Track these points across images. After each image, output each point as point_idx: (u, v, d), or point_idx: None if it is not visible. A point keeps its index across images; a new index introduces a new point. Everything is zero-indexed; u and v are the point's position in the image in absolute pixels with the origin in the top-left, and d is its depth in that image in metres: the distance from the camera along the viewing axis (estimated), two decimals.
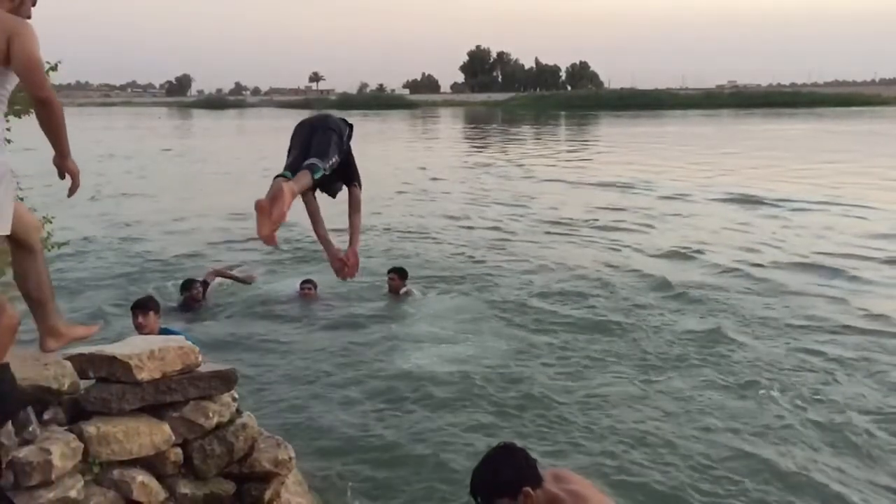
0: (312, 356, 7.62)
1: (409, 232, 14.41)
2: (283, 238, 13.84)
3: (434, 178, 23.75)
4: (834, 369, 7.02)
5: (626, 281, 10.47)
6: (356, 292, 9.91)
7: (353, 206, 5.12)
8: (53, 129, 3.09)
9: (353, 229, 5.09)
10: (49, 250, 5.95)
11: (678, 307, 9.11)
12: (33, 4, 3.22)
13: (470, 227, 15.11)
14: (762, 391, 6.51)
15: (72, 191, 3.33)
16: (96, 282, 10.52)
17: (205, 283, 9.33)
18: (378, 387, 6.77)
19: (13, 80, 3.11)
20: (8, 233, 3.16)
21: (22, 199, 5.71)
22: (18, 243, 3.33)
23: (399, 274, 9.76)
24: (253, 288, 10.29)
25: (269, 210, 4.07)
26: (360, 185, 5.01)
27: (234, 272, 10.29)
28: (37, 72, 2.99)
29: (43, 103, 3.02)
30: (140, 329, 5.93)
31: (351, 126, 4.86)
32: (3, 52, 2.98)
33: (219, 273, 9.94)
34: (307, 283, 9.62)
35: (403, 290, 9.66)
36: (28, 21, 3.09)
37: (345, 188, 5.02)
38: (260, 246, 13.06)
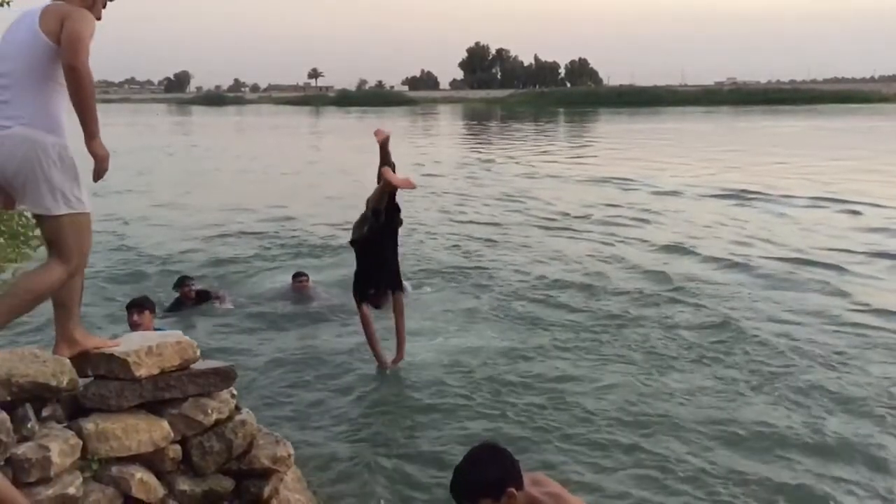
0: (309, 351, 7.61)
1: (405, 227, 14.39)
2: (274, 231, 14.02)
3: (431, 175, 23.74)
4: (829, 363, 7.04)
5: (623, 276, 10.48)
6: (350, 284, 10.00)
7: (399, 311, 6.39)
8: (79, 103, 3.13)
9: (400, 338, 6.39)
10: None
11: (676, 302, 9.11)
12: (104, 6, 3.37)
13: (466, 223, 15.14)
14: (759, 387, 6.52)
15: (95, 175, 3.26)
16: (92, 279, 10.50)
17: (206, 293, 9.21)
18: (375, 382, 6.77)
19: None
20: (89, 210, 3.29)
21: None
22: None
23: None
24: (248, 282, 10.30)
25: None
26: (402, 290, 6.44)
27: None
28: (73, 42, 3.08)
29: (70, 70, 3.09)
30: (135, 328, 5.94)
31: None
32: (58, 34, 3.13)
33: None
34: (301, 276, 9.58)
35: None
36: (88, 12, 3.21)
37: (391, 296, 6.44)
38: (254, 241, 13.14)
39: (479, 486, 2.66)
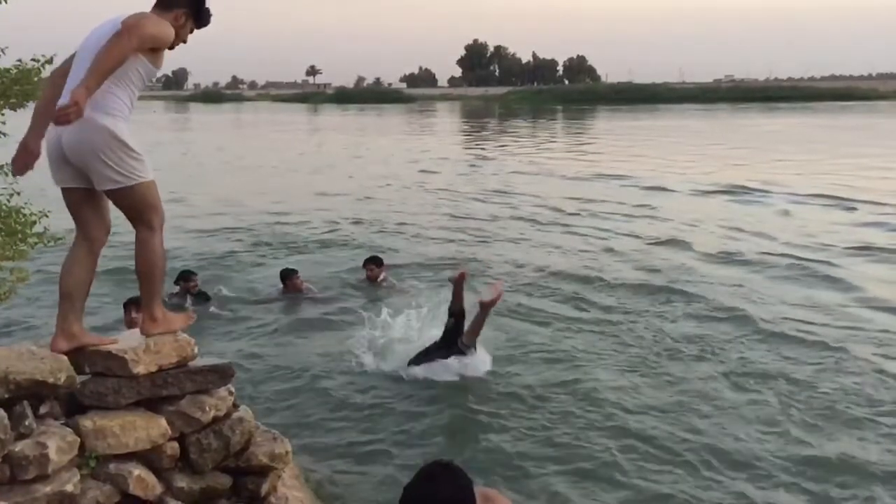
0: (305, 348, 7.62)
1: (400, 224, 14.49)
2: (265, 223, 14.18)
3: (428, 171, 23.78)
4: (829, 358, 7.08)
5: (619, 271, 10.52)
6: (340, 280, 10.09)
7: None
8: (98, 54, 3.22)
9: None
10: (45, 245, 5.92)
11: (672, 297, 9.15)
12: (191, 31, 3.60)
13: (463, 218, 15.19)
14: (754, 382, 6.54)
15: (57, 113, 3.16)
16: None
17: (205, 293, 9.18)
18: (372, 379, 6.77)
19: (144, 66, 3.40)
20: (151, 178, 3.49)
21: (18, 193, 5.74)
22: (87, 237, 3.59)
23: (376, 263, 9.84)
24: (242, 279, 10.30)
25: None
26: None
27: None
28: (132, 24, 3.26)
29: (114, 34, 3.23)
30: (132, 325, 5.92)
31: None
32: None
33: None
34: (294, 273, 9.50)
35: (381, 277, 9.73)
36: (167, 23, 3.41)
37: None
38: (245, 237, 13.22)
39: None
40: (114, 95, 3.37)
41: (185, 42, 3.61)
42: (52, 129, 3.41)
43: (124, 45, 3.23)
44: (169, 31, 3.42)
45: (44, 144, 3.52)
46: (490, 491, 2.81)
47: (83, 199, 3.52)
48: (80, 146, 3.33)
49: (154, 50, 3.42)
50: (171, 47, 3.54)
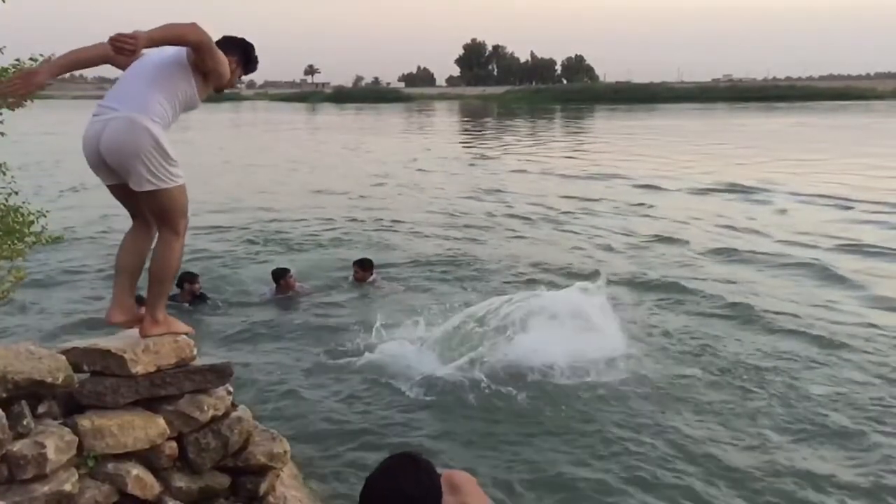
0: (302, 348, 7.61)
1: (397, 221, 14.54)
2: (262, 220, 14.22)
3: (425, 170, 23.78)
4: (811, 359, 7.11)
5: (616, 269, 10.50)
6: (334, 279, 10.12)
7: None
8: (167, 25, 3.37)
9: None
10: (43, 244, 5.92)
11: (668, 295, 9.16)
12: (239, 77, 3.80)
13: (457, 216, 15.22)
14: (747, 379, 6.56)
15: (116, 35, 3.20)
16: (82, 275, 10.49)
17: (205, 295, 9.16)
18: (368, 378, 6.76)
19: (192, 91, 3.58)
20: (183, 182, 3.61)
21: (17, 193, 5.74)
22: (143, 222, 3.73)
23: (362, 266, 9.84)
24: (237, 278, 10.32)
25: None
26: None
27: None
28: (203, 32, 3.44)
29: (188, 22, 3.42)
30: None
31: None
32: (196, 57, 3.50)
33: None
34: (287, 272, 9.46)
35: (371, 279, 9.75)
36: (225, 59, 3.57)
37: None
38: (240, 235, 13.22)
39: (394, 501, 2.37)
40: (160, 106, 3.50)
41: (233, 87, 3.81)
42: (89, 132, 3.50)
43: (190, 30, 3.36)
44: (227, 67, 3.58)
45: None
46: (458, 474, 2.69)
47: (128, 193, 3.62)
48: (123, 146, 3.42)
49: (206, 79, 3.56)
50: (219, 90, 3.71)
